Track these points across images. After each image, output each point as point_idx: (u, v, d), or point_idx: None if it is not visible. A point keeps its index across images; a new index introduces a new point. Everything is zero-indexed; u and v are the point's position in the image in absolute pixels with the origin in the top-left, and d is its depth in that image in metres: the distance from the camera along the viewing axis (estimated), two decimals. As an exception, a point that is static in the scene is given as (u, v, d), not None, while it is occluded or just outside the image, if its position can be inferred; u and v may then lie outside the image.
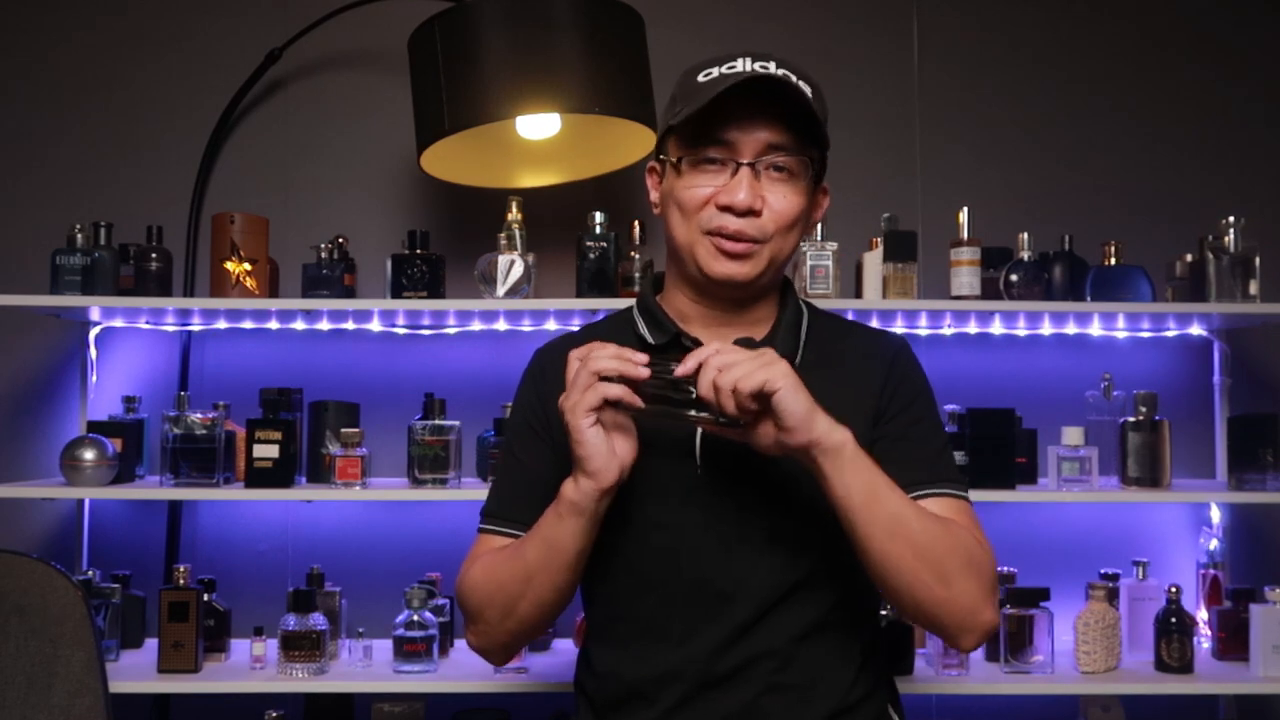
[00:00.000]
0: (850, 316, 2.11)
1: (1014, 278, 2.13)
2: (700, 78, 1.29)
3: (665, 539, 1.30)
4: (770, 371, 1.15)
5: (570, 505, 1.23)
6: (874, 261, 2.16)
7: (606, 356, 1.20)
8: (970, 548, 1.24)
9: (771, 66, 1.28)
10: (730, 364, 1.16)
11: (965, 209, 2.15)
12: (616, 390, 1.18)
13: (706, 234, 1.30)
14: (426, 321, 2.32)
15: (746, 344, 1.30)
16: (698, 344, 1.33)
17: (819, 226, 2.11)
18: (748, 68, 1.27)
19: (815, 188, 1.34)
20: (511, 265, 2.11)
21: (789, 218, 1.30)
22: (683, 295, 1.37)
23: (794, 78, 1.28)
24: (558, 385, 1.31)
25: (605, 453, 1.20)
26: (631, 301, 1.45)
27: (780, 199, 1.29)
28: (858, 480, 1.19)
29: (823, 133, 1.30)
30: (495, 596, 1.31)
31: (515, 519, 1.36)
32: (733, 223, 1.28)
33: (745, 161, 1.28)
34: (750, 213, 1.28)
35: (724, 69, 1.28)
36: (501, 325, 2.32)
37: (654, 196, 1.38)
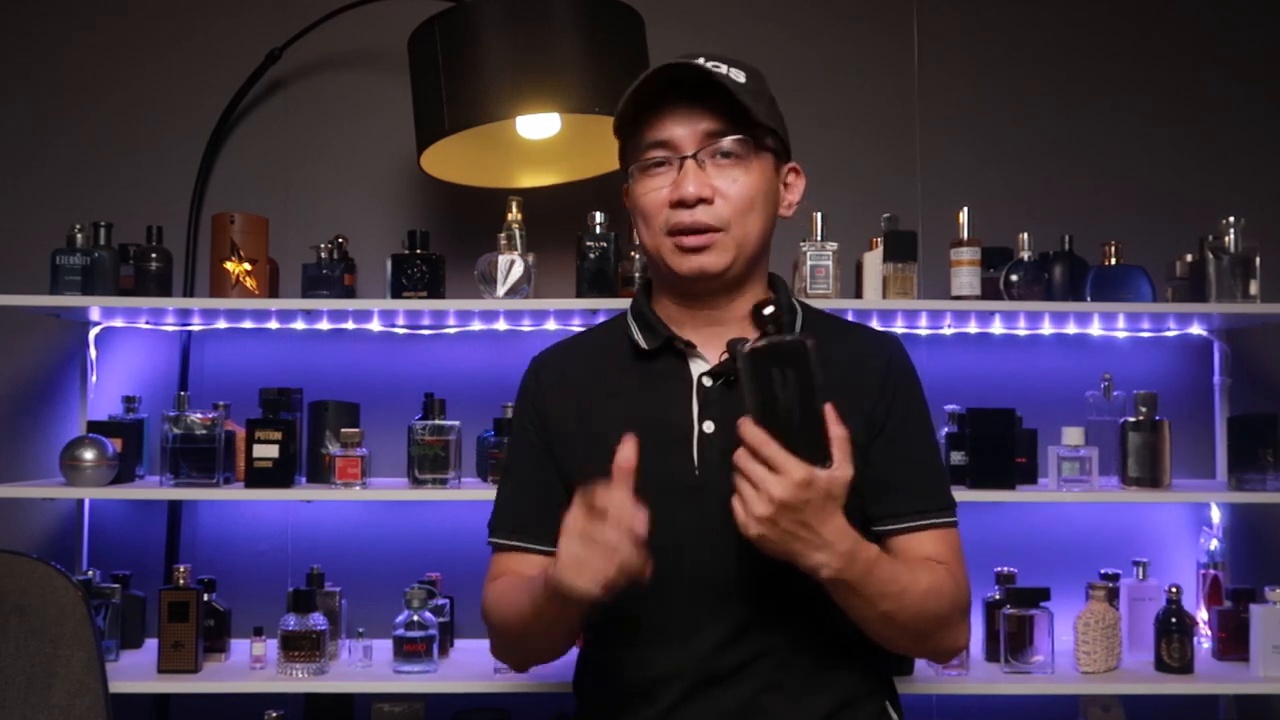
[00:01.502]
0: (850, 316, 2.11)
1: (1014, 278, 2.13)
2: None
3: (665, 539, 1.30)
4: (750, 531, 1.14)
5: (552, 595, 1.20)
6: (874, 261, 2.16)
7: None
8: (950, 599, 1.29)
9: (700, 61, 1.29)
10: (751, 495, 1.13)
11: (965, 209, 2.15)
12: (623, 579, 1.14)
13: (668, 235, 1.31)
14: (426, 321, 2.32)
15: (740, 344, 1.30)
16: (690, 347, 1.34)
17: (819, 226, 2.11)
18: (664, 66, 1.29)
19: (779, 166, 1.36)
20: (511, 265, 2.11)
21: (743, 200, 1.30)
22: (669, 299, 1.39)
23: (723, 66, 1.30)
24: (553, 395, 1.39)
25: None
26: (629, 303, 1.46)
27: (731, 183, 1.30)
28: (851, 596, 1.22)
29: (761, 112, 1.30)
30: (503, 631, 1.38)
31: (519, 530, 1.41)
32: (687, 215, 1.29)
33: (688, 154, 1.29)
34: (702, 202, 1.29)
35: (643, 76, 1.30)
36: (501, 325, 2.32)
37: (631, 216, 1.41)
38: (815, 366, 1.14)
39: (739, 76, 1.30)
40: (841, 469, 1.15)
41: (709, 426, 1.31)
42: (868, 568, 1.20)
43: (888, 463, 1.32)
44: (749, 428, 1.14)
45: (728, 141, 1.30)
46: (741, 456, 1.14)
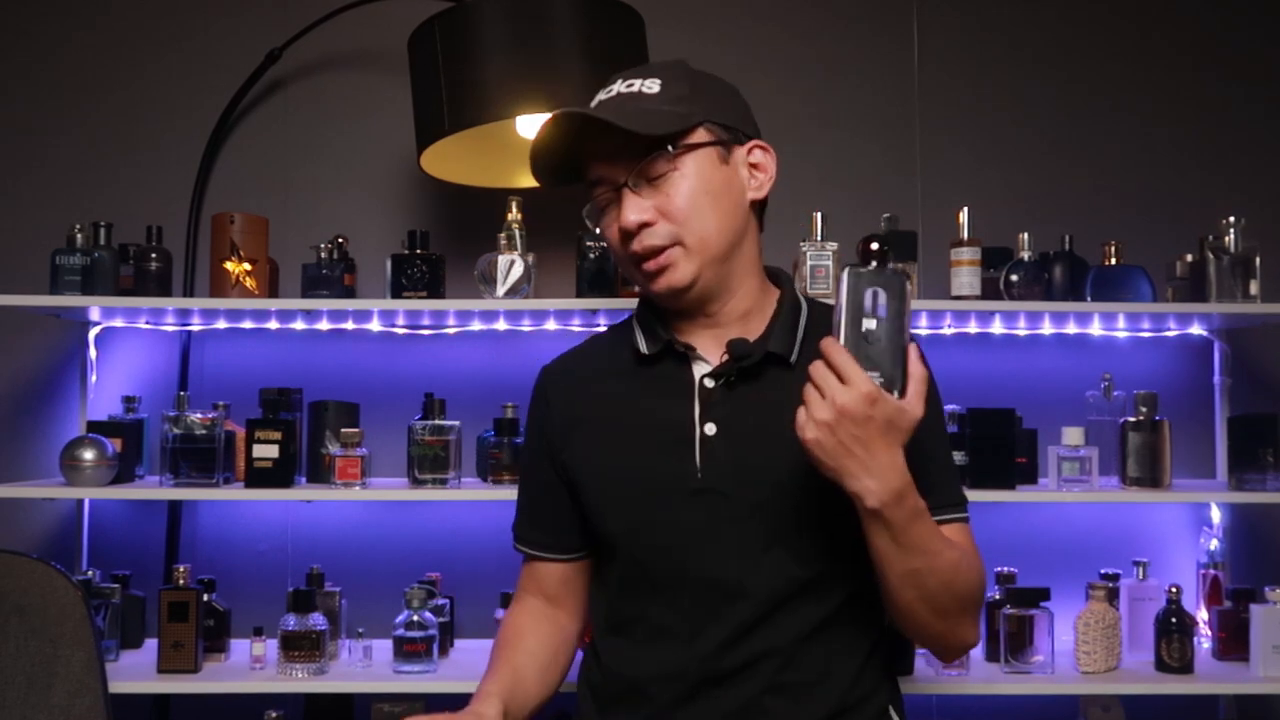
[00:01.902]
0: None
1: (1014, 278, 2.13)
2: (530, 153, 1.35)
3: (671, 540, 1.31)
4: (806, 433, 1.15)
5: None
6: (874, 261, 2.16)
7: None
8: (974, 580, 1.29)
9: (599, 97, 1.32)
10: (816, 399, 1.14)
11: (965, 209, 2.15)
12: None
13: (632, 264, 1.33)
14: (426, 321, 2.32)
15: (740, 345, 1.31)
16: (691, 349, 1.34)
17: (819, 226, 2.11)
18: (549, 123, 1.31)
19: (727, 154, 1.32)
20: (511, 265, 2.11)
21: (683, 209, 1.29)
22: (666, 309, 1.39)
23: (636, 82, 1.30)
24: (559, 402, 1.41)
25: None
26: (634, 304, 1.46)
27: (665, 198, 1.29)
28: (888, 540, 1.20)
29: (659, 126, 1.28)
30: None
31: (532, 541, 1.47)
32: (636, 244, 1.30)
33: (620, 183, 1.30)
34: (644, 226, 1.29)
35: (534, 146, 1.32)
36: (501, 325, 2.32)
37: None
38: (909, 302, 1.16)
39: (651, 87, 1.30)
40: (914, 405, 1.16)
41: (710, 428, 1.31)
42: (912, 515, 1.19)
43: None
44: (828, 341, 1.15)
45: (646, 163, 1.29)
46: (815, 366, 1.15)
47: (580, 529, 1.42)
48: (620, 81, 1.33)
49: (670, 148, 1.29)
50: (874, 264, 1.17)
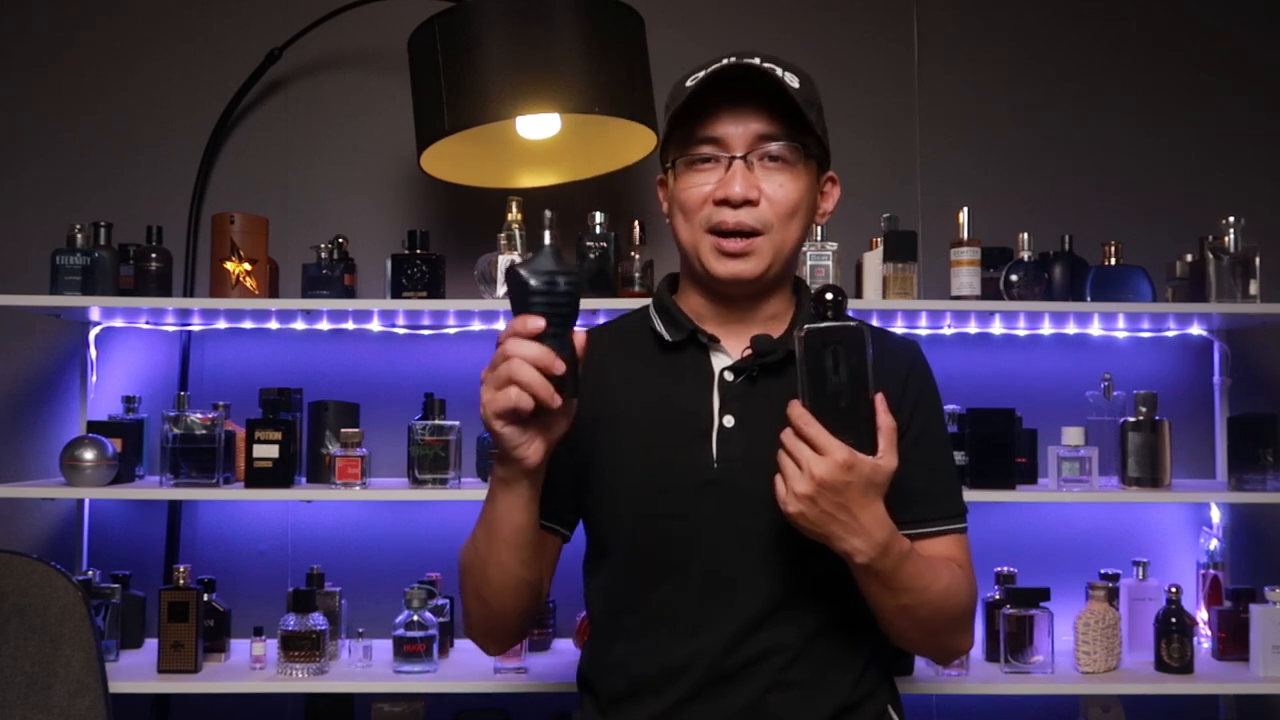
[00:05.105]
0: (850, 316, 2.11)
1: (1014, 278, 2.13)
2: (688, 83, 1.31)
3: (679, 530, 1.30)
4: (789, 507, 1.16)
5: (498, 481, 1.24)
6: (874, 261, 2.16)
7: (526, 359, 1.13)
8: (965, 601, 1.31)
9: (757, 61, 1.29)
10: (794, 473, 1.16)
11: (965, 209, 2.15)
12: (527, 402, 1.12)
13: (708, 232, 1.31)
14: (426, 321, 2.32)
15: (764, 341, 1.31)
16: (714, 341, 1.34)
17: (819, 226, 2.11)
18: (729, 63, 1.29)
19: (819, 175, 1.35)
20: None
21: (788, 206, 1.30)
22: (696, 295, 1.38)
23: (778, 70, 1.29)
24: None
25: (522, 440, 1.18)
26: (645, 301, 1.45)
27: (777, 188, 1.30)
28: (877, 585, 1.23)
29: (812, 120, 1.30)
30: (465, 579, 1.34)
31: None
32: (730, 216, 1.29)
33: (737, 155, 1.29)
34: (747, 203, 1.28)
35: (708, 71, 1.29)
36: (501, 325, 2.32)
37: (665, 208, 1.40)
38: (869, 354, 1.15)
39: (793, 81, 1.30)
40: (886, 459, 1.16)
41: (729, 420, 1.31)
42: (900, 560, 1.20)
43: (905, 469, 1.30)
44: (796, 408, 1.15)
45: (777, 146, 1.29)
46: (787, 435, 1.16)
47: (565, 503, 1.38)
48: (758, 59, 1.29)
49: (801, 145, 1.30)
50: (829, 315, 1.16)
